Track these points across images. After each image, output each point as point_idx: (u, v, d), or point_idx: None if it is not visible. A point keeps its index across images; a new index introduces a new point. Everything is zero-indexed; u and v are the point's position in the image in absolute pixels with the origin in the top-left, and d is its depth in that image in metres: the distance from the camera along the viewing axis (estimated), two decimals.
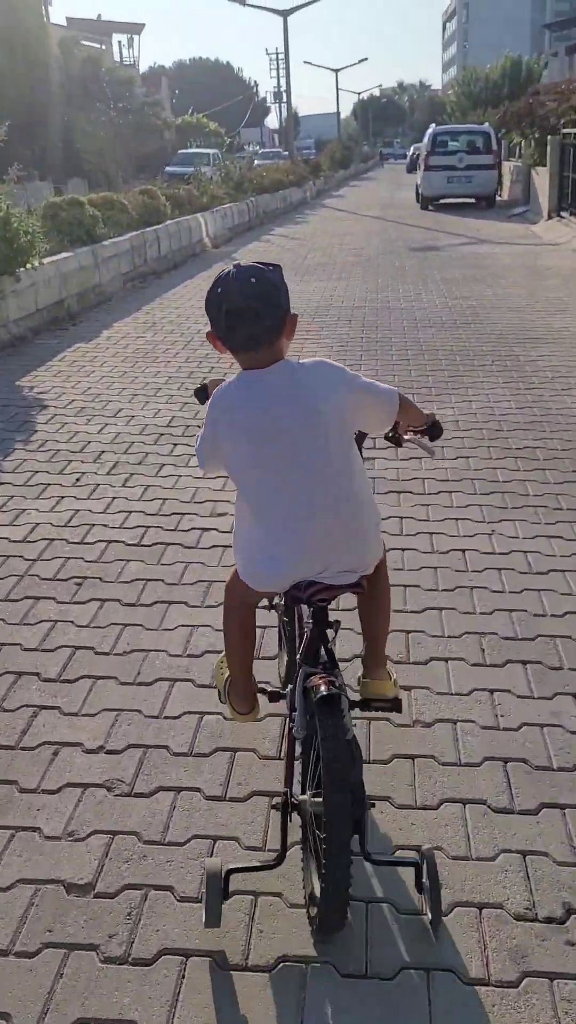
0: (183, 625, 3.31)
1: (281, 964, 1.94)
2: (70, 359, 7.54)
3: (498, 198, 24.24)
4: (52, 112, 29.17)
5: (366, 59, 54.70)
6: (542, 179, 19.49)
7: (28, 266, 8.00)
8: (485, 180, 23.73)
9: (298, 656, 2.10)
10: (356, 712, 2.35)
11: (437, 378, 6.69)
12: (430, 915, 1.98)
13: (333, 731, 1.80)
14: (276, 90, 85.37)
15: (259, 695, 2.39)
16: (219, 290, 1.88)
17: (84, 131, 27.54)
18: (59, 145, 30.60)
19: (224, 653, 2.38)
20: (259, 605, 2.28)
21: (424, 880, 1.99)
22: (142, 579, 3.67)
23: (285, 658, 2.62)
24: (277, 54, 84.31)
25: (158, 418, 5.92)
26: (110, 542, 4.03)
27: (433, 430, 2.16)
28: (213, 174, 21.08)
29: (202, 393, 2.24)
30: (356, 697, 2.35)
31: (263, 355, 1.92)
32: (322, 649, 2.03)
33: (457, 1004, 1.85)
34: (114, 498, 4.57)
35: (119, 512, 4.38)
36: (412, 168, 52.27)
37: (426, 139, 24.52)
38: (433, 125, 26.00)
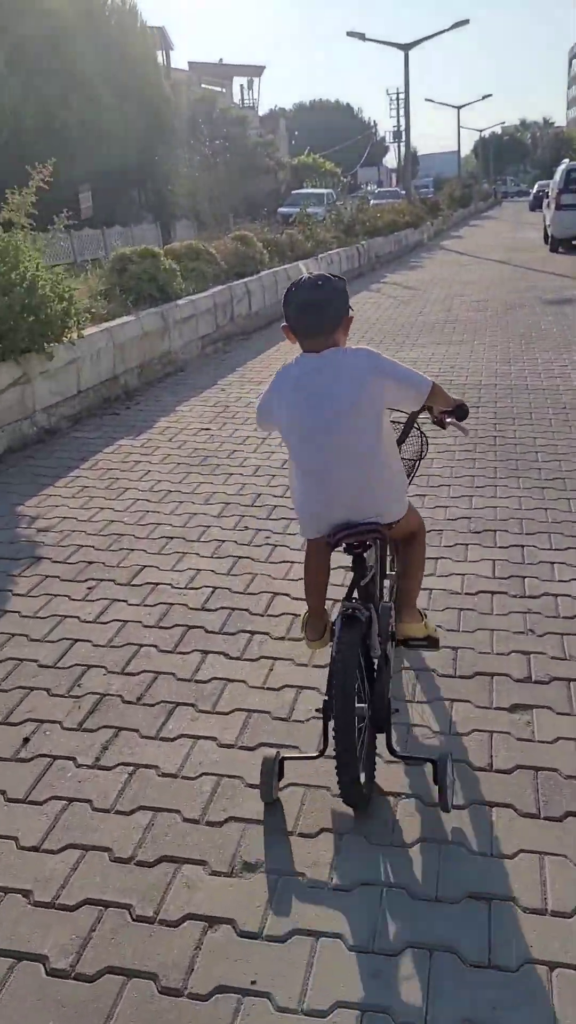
0: None
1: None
2: (104, 465, 5.75)
3: None
4: (162, 154, 28.49)
5: (490, 95, 52.99)
6: None
7: (66, 339, 6.32)
8: None
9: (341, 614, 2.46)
10: (402, 651, 3.05)
11: None
12: (440, 802, 2.43)
13: (342, 645, 2.34)
14: (395, 129, 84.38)
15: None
16: (294, 289, 2.49)
17: (188, 172, 26.60)
18: (169, 188, 29.93)
19: (307, 597, 2.83)
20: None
21: (436, 780, 2.44)
22: None
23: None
24: (397, 94, 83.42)
25: (196, 586, 3.97)
26: None
27: (460, 412, 2.66)
28: (324, 215, 19.47)
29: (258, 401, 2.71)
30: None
31: (320, 342, 2.46)
32: (356, 589, 2.54)
33: None
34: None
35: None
36: (536, 206, 49.96)
37: (558, 175, 22.22)
38: (566, 161, 23.67)
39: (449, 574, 3.98)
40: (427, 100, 59.47)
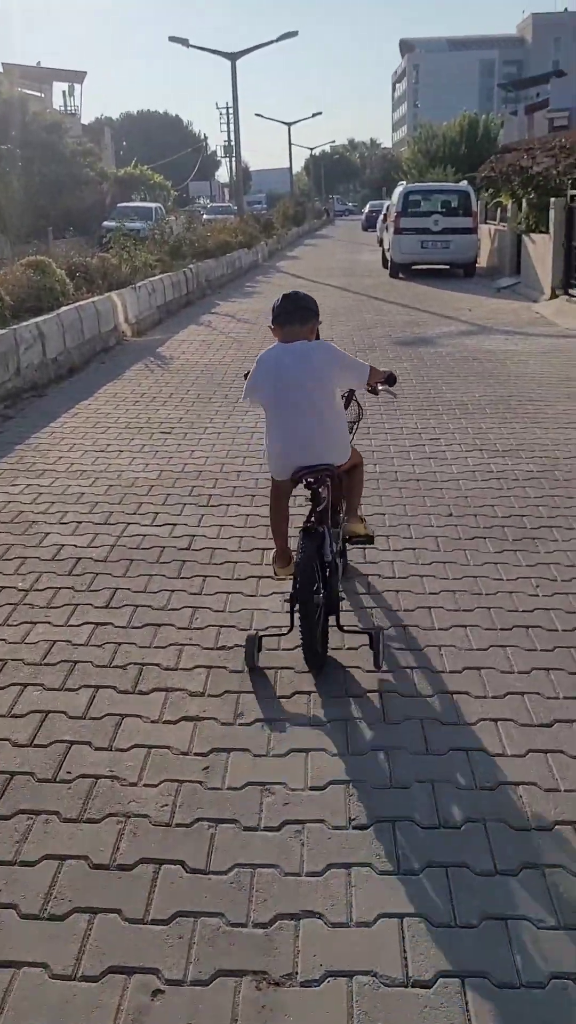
0: None
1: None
2: None
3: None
4: None
5: (320, 113, 52.64)
6: (539, 248, 16.19)
7: None
8: (465, 245, 20.48)
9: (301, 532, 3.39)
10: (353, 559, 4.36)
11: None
12: (375, 662, 3.40)
13: (304, 551, 3.27)
14: (227, 143, 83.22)
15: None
16: (281, 300, 3.56)
17: None
18: None
19: (273, 532, 3.72)
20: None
21: (372, 643, 3.40)
22: None
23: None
24: (228, 108, 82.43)
25: None
26: None
27: (390, 380, 3.72)
28: (149, 232, 17.38)
29: (246, 375, 3.66)
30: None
31: (294, 334, 3.50)
32: (313, 514, 3.41)
33: None
34: None
35: None
36: (368, 226, 49.96)
37: (396, 198, 21.23)
38: (403, 183, 22.81)
39: None
40: (257, 115, 58.68)
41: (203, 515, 5.10)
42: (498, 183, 18.99)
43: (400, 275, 21.02)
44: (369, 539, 3.96)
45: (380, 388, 3.73)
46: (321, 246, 36.80)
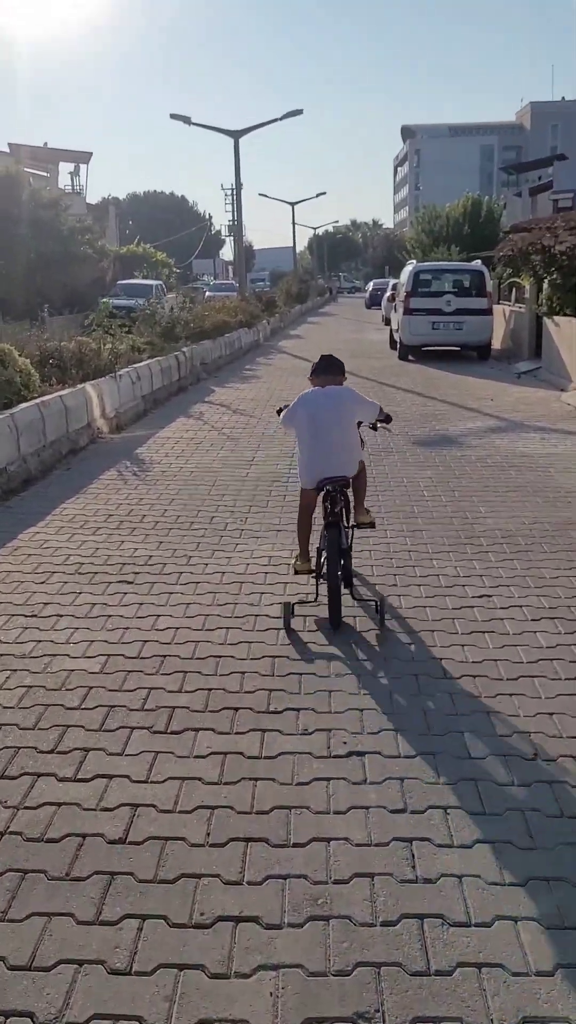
0: None
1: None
2: None
3: None
4: None
5: (324, 193, 52.82)
6: (564, 331, 14.80)
7: None
8: (479, 327, 19.18)
9: (324, 526, 4.62)
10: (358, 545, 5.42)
11: None
12: (378, 626, 4.48)
13: (330, 536, 4.47)
14: (231, 223, 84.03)
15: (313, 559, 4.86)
16: (318, 362, 4.97)
17: None
18: None
19: (299, 539, 4.89)
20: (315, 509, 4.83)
21: (376, 611, 4.52)
22: None
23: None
24: (232, 189, 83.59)
25: None
26: None
27: (388, 419, 5.06)
28: (141, 312, 16.01)
29: (281, 409, 5.06)
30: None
31: (327, 381, 4.88)
32: (332, 514, 4.57)
33: None
34: None
35: None
36: (372, 303, 49.41)
37: (405, 277, 20.03)
38: (413, 262, 21.66)
39: None
40: (261, 195, 58.70)
41: (156, 755, 3.35)
42: (517, 262, 17.73)
43: (410, 357, 19.71)
44: (372, 524, 5.32)
45: (380, 425, 5.10)
46: (325, 324, 35.84)
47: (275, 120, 25.91)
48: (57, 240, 26.95)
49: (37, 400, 8.30)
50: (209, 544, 6.01)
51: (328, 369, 4.96)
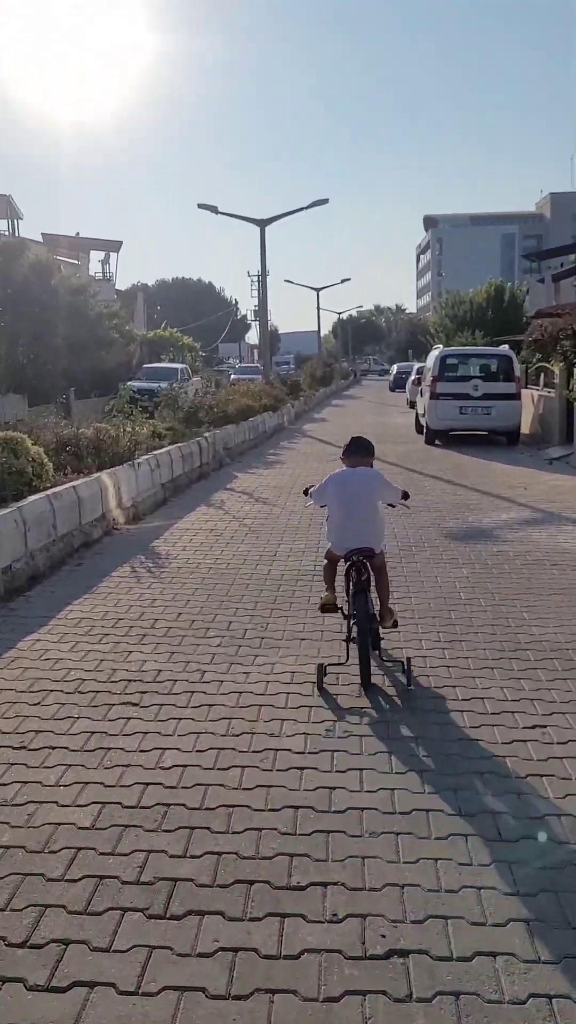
0: None
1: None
2: None
3: None
4: None
5: (349, 279, 53.67)
6: None
7: None
8: (508, 412, 18.84)
9: (350, 592, 5.11)
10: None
11: None
12: (407, 682, 4.89)
13: (358, 603, 4.92)
14: (256, 308, 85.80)
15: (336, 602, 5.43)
16: (350, 442, 5.47)
17: (19, 342, 22.96)
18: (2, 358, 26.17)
19: (325, 581, 5.51)
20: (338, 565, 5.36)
21: (406, 669, 4.95)
22: None
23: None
24: (259, 275, 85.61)
25: None
26: None
27: (405, 496, 5.42)
28: (163, 396, 15.79)
29: (307, 489, 5.57)
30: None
31: (358, 462, 5.38)
32: (357, 583, 5.00)
33: None
34: None
35: None
36: (396, 386, 49.61)
37: (432, 361, 19.83)
38: (439, 346, 21.50)
39: None
40: (287, 281, 59.70)
41: (150, 953, 2.71)
42: (548, 347, 17.44)
43: (437, 442, 19.35)
44: (396, 625, 5.46)
45: (399, 503, 5.55)
46: (349, 407, 35.81)
47: (301, 209, 26.31)
48: (85, 325, 27.23)
49: (48, 492, 7.87)
50: (226, 655, 5.43)
51: (358, 451, 5.45)
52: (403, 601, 6.56)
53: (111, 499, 9.24)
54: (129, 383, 31.01)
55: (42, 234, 53.92)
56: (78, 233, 56.77)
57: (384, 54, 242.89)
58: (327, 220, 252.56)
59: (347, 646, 5.09)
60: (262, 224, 26.32)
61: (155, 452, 11.44)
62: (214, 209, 25.81)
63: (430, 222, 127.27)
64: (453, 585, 7.13)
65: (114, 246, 58.48)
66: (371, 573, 5.11)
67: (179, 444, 12.62)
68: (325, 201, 26.12)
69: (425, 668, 5.21)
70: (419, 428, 21.46)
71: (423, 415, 20.12)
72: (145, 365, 34.94)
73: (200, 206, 25.71)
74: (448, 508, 10.82)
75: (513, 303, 51.40)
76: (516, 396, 18.91)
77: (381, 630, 5.23)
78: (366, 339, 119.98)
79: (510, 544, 8.68)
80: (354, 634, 4.97)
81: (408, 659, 5.01)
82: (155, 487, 10.91)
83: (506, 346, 20.82)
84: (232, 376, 48.83)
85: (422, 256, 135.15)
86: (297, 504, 11.16)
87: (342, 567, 5.28)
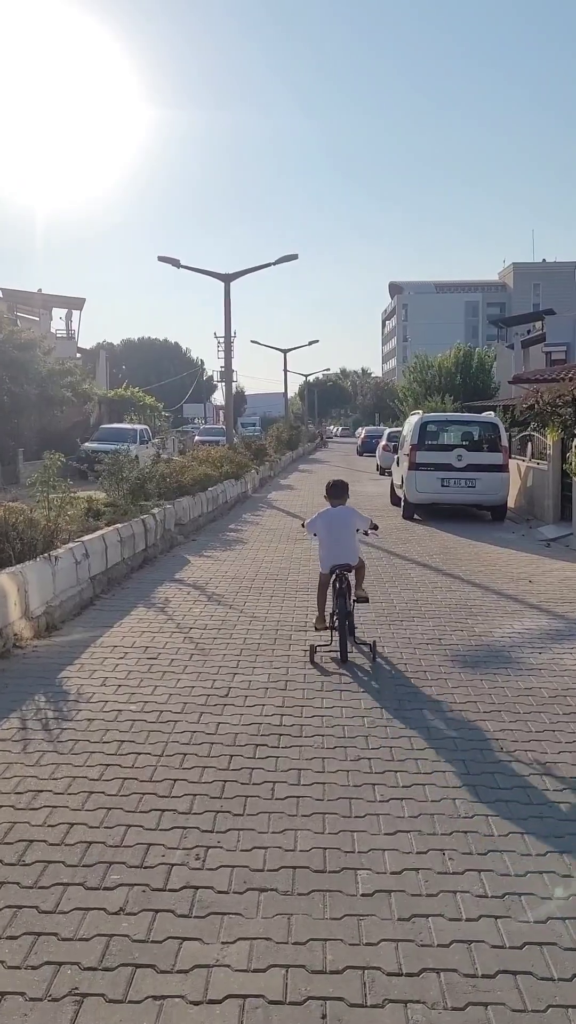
0: None
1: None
2: None
3: None
4: None
5: (316, 341, 52.13)
6: None
7: None
8: (494, 485, 17.03)
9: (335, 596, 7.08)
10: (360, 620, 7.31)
11: None
12: (370, 661, 6.85)
13: (340, 601, 6.94)
14: (223, 368, 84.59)
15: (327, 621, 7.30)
16: (330, 484, 7.59)
17: None
18: None
19: (318, 606, 7.41)
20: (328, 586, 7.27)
21: (370, 650, 6.99)
22: None
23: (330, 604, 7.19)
24: (225, 337, 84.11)
25: None
26: None
27: (374, 527, 7.62)
28: (106, 464, 13.60)
29: (304, 522, 7.75)
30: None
31: (339, 502, 7.50)
32: (339, 591, 7.03)
33: None
34: None
35: None
36: (364, 451, 47.97)
37: (410, 428, 18.02)
38: (419, 412, 19.71)
39: None
40: (253, 342, 58.23)
41: None
42: (544, 416, 15.69)
43: (416, 516, 17.44)
44: (366, 599, 7.59)
45: (369, 532, 7.62)
46: (317, 472, 33.91)
47: (268, 265, 24.75)
48: (34, 382, 25.19)
49: None
50: (138, 940, 3.20)
51: (340, 493, 7.50)
52: (414, 789, 4.38)
53: (12, 608, 6.99)
54: (86, 444, 28.97)
55: (2, 290, 52.25)
56: (40, 290, 55.15)
57: (344, 130, 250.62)
58: (294, 284, 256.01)
59: (331, 634, 7.05)
60: (227, 279, 24.69)
61: (85, 538, 9.24)
62: (176, 263, 24.13)
63: (396, 288, 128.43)
64: (476, 754, 4.96)
65: (77, 303, 56.94)
66: (350, 581, 7.11)
67: (117, 526, 10.43)
68: (294, 257, 24.57)
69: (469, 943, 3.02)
70: (395, 499, 19.58)
71: (400, 486, 18.23)
72: (103, 426, 32.92)
73: (161, 259, 24.01)
74: (447, 613, 8.73)
75: (481, 368, 50.59)
76: (503, 468, 17.13)
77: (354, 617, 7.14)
78: (333, 402, 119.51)
79: (535, 674, 6.58)
80: (336, 623, 6.96)
81: (374, 641, 7.16)
82: (80, 584, 8.68)
83: (491, 413, 19.12)
84: (196, 438, 46.93)
85: (388, 321, 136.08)
86: (259, 605, 8.98)
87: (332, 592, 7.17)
